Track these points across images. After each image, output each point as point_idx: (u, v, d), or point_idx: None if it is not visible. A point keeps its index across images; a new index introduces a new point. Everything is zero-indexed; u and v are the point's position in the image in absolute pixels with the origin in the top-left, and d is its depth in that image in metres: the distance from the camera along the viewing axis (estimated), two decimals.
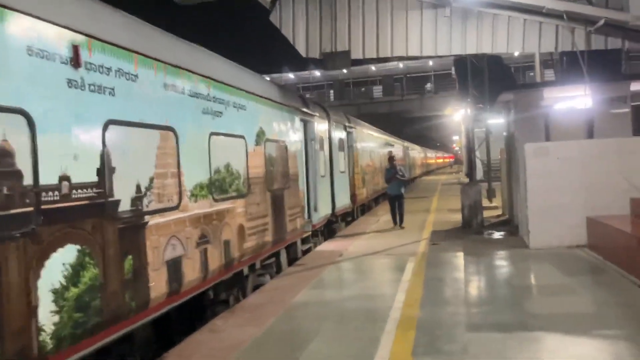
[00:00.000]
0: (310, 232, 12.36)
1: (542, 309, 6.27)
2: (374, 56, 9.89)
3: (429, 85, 55.72)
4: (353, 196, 17.75)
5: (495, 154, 19.76)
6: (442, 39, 9.30)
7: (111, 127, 4.81)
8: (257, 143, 8.68)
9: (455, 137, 57.74)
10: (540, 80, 15.54)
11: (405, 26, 9.43)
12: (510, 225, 13.10)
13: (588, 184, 9.52)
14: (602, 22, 8.58)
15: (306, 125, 12.51)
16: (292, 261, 10.82)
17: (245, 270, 8.24)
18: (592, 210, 9.34)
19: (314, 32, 9.82)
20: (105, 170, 4.71)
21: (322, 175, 13.34)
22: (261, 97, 8.97)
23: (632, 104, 11.48)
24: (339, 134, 15.78)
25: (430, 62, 55.68)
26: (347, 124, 17.01)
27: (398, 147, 35.58)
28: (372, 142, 22.64)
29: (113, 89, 4.86)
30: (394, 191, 14.15)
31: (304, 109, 11.79)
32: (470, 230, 12.83)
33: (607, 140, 9.71)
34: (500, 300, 6.71)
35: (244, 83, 8.32)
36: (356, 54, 9.85)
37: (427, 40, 9.33)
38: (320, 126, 13.40)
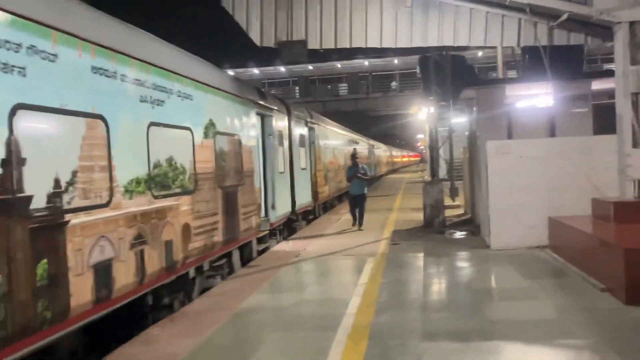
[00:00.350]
0: (267, 231, 11.86)
1: (502, 314, 5.92)
2: (332, 46, 9.42)
3: (394, 84, 55.77)
4: (315, 194, 17.30)
5: (459, 153, 19.63)
6: (403, 30, 8.91)
7: (21, 113, 4.19)
8: (206, 136, 8.11)
9: (420, 136, 57.98)
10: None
11: (364, 16, 8.99)
12: (472, 224, 12.87)
13: (550, 183, 9.30)
14: (565, 16, 8.33)
15: (264, 119, 11.99)
16: (247, 262, 10.30)
17: (192, 273, 7.67)
18: (554, 211, 9.12)
19: (268, 19, 9.28)
20: (12, 161, 4.10)
21: (281, 172, 12.83)
22: (211, 86, 8.40)
23: (593, 102, 11.39)
24: (300, 130, 15.30)
25: (396, 61, 55.75)
26: (309, 120, 16.54)
27: (363, 145, 35.34)
28: (335, 139, 22.24)
29: (24, 69, 4.24)
30: (356, 190, 13.30)
31: (261, 102, 11.25)
32: (432, 230, 12.54)
33: (570, 138, 9.51)
34: (459, 306, 6.34)
35: (191, 70, 7.73)
36: (313, 44, 9.35)
37: (387, 31, 8.92)
38: (280, 121, 12.89)
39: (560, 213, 9.03)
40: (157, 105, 6.50)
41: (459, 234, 11.83)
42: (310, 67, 58.35)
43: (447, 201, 17.99)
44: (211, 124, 8.31)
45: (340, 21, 8.98)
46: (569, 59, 10.16)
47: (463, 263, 8.90)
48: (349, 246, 10.84)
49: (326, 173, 19.27)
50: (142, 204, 6.06)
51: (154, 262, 6.29)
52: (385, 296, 6.81)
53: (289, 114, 14.11)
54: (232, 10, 9.18)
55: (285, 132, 13.61)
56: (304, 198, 15.45)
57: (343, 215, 16.75)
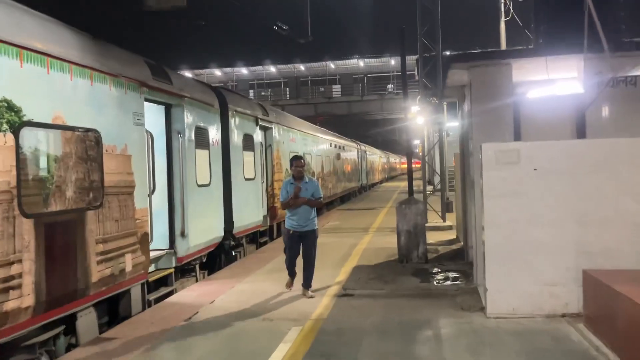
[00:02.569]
0: (171, 270, 8.40)
1: None
2: None
3: (390, 86, 52.32)
4: (271, 209, 13.83)
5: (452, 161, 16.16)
6: None
7: None
8: None
9: (417, 142, 54.58)
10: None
11: None
12: (464, 259, 9.38)
13: (583, 212, 5.81)
14: None
15: (169, 110, 8.52)
16: (124, 319, 6.84)
17: None
18: (590, 258, 5.64)
19: None
20: None
21: (203, 184, 9.35)
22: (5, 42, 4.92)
23: None
24: (245, 129, 11.84)
25: (393, 61, 52.37)
26: (261, 117, 13.06)
27: (351, 151, 31.86)
28: (307, 143, 18.76)
29: None
30: (299, 224, 7.42)
31: (156, 84, 7.76)
32: (407, 268, 9.03)
33: (614, 141, 6.01)
34: None
35: None
36: None
37: None
38: (201, 114, 9.43)
39: (601, 262, 5.56)
40: None
41: (442, 277, 8.31)
42: (302, 68, 55.11)
43: (437, 220, 14.48)
44: (5, 109, 4.84)
45: None
46: (609, 19, 6.68)
47: (440, 352, 5.33)
48: (277, 297, 7.34)
49: None
50: None
51: None
52: None
53: (222, 107, 10.65)
54: None
55: (215, 131, 10.14)
56: (251, 217, 11.97)
57: None
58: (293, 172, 7.46)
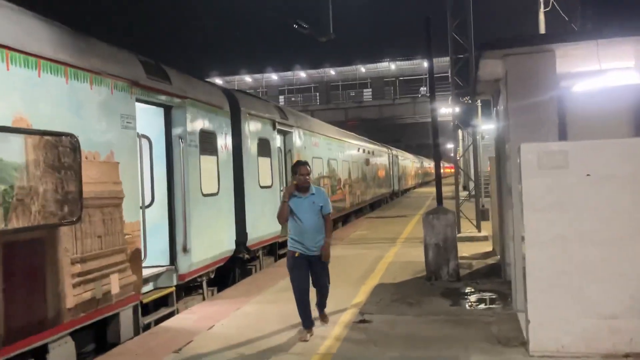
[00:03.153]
0: (172, 288, 7.61)
1: None
2: None
3: (423, 89, 50.95)
4: None
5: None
6: None
7: None
8: None
9: (450, 146, 53.01)
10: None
11: None
12: (502, 276, 8.30)
13: None
14: None
15: (169, 113, 7.76)
16: (112, 346, 6.07)
17: None
18: None
19: None
20: None
21: (210, 193, 8.57)
22: None
23: None
24: (260, 133, 11.02)
25: (425, 64, 50.99)
26: (279, 120, 12.23)
27: (381, 156, 30.80)
28: (332, 148, 17.84)
29: None
30: (303, 247, 5.86)
31: (151, 84, 6.99)
32: (435, 287, 8.01)
33: None
34: None
35: None
36: None
37: None
38: (208, 117, 8.65)
39: None
40: None
41: (476, 299, 7.26)
42: (332, 72, 54.35)
43: (471, 230, 13.35)
44: None
45: None
46: None
47: None
48: (284, 322, 6.43)
49: None
50: None
51: None
52: None
53: (234, 110, 9.86)
54: None
55: (225, 136, 9.35)
56: (268, 227, 11.12)
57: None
58: (297, 181, 5.92)
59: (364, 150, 24.45)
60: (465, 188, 27.55)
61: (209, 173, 8.64)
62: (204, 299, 8.56)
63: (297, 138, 13.67)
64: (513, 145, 5.97)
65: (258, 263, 10.95)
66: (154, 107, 7.55)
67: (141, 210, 6.75)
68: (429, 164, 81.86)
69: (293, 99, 54.61)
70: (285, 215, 5.89)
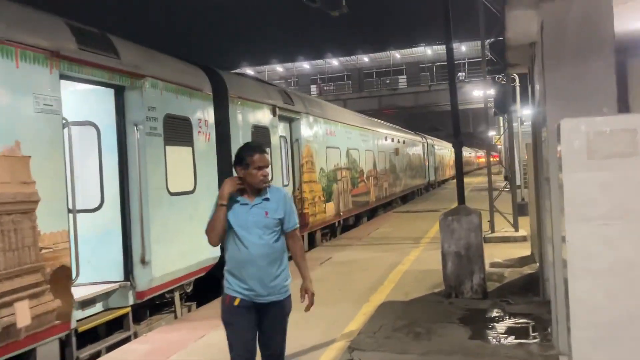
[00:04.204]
0: (127, 309, 6.25)
1: None
2: None
3: (461, 74, 48.37)
4: (299, 218, 11.49)
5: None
6: None
7: None
8: None
9: (493, 133, 50.32)
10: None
11: None
12: (541, 295, 6.55)
13: None
14: None
15: (121, 95, 6.35)
16: None
17: None
18: None
19: None
20: None
21: (181, 191, 7.15)
22: None
23: None
24: (255, 120, 9.53)
25: (463, 47, 48.45)
26: (282, 106, 10.70)
27: (414, 145, 28.87)
28: (352, 137, 16.18)
29: None
30: (248, 288, 3.47)
31: (86, 57, 5.56)
32: (454, 308, 6.35)
33: None
34: None
35: None
36: None
37: None
38: (178, 100, 7.20)
39: None
40: None
41: (505, 329, 5.57)
42: (366, 59, 52.38)
43: (506, 229, 11.51)
44: None
45: None
46: None
47: None
48: None
49: (327, 184, 13.34)
50: None
51: None
52: None
53: (218, 92, 8.39)
54: None
55: (204, 122, 7.90)
56: None
57: (336, 253, 10.83)
58: (250, 179, 3.50)
59: (392, 139, 22.66)
60: (506, 178, 25.42)
61: (180, 167, 7.22)
62: (175, 317, 7.18)
63: (306, 126, 12.12)
64: (550, 124, 4.26)
65: None
66: (102, 87, 6.16)
67: (71, 216, 5.36)
68: (470, 153, 78.75)
69: (326, 87, 52.98)
70: (219, 229, 3.49)
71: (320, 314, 5.33)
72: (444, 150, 44.50)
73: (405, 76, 51.21)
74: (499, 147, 65.96)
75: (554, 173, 3.94)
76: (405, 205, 23.19)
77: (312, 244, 12.44)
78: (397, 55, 51.12)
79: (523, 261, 8.94)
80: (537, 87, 5.86)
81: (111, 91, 6.27)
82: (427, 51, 49.60)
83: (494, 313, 6.09)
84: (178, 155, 7.15)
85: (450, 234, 6.69)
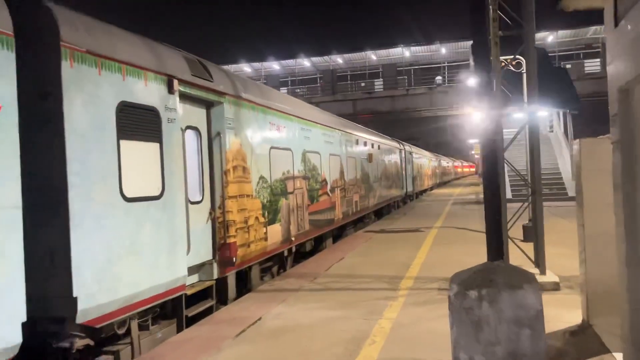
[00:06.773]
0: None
1: None
2: None
3: (439, 78, 45.13)
4: (222, 250, 7.61)
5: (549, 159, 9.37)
6: None
7: None
8: None
9: (474, 141, 47.25)
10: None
11: None
12: None
13: None
14: None
15: None
16: None
17: None
18: None
19: None
20: None
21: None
22: None
23: None
24: (124, 96, 5.65)
25: (443, 50, 45.33)
26: (186, 80, 6.82)
27: (391, 152, 25.22)
28: (311, 136, 12.34)
29: None
30: None
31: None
32: None
33: None
34: None
35: None
36: None
37: None
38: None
39: None
40: None
41: None
42: (340, 60, 48.86)
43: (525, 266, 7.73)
44: None
45: None
46: None
47: None
48: None
49: (271, 202, 9.49)
50: None
51: None
52: None
53: (33, 34, 4.49)
54: None
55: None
56: (143, 274, 5.78)
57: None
58: None
59: (365, 143, 18.94)
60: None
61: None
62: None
63: (236, 115, 8.27)
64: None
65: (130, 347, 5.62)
66: None
67: None
68: (448, 163, 76.03)
69: (297, 90, 49.20)
70: None
71: None
72: (422, 159, 41.11)
73: (381, 79, 47.73)
74: (477, 156, 62.12)
75: None
76: (380, 221, 19.48)
77: (245, 287, 8.57)
78: (373, 56, 47.62)
79: (574, 337, 5.21)
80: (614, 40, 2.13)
81: None
82: (405, 53, 46.23)
83: None
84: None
85: (475, 331, 2.89)
